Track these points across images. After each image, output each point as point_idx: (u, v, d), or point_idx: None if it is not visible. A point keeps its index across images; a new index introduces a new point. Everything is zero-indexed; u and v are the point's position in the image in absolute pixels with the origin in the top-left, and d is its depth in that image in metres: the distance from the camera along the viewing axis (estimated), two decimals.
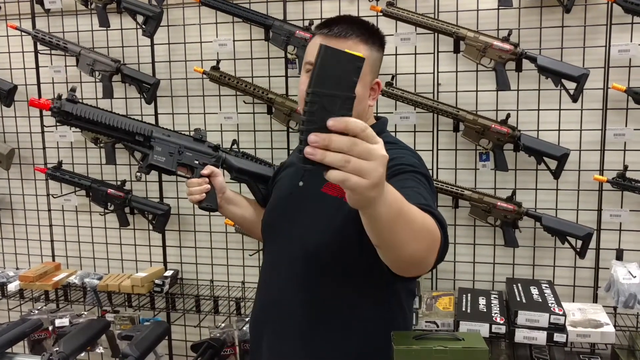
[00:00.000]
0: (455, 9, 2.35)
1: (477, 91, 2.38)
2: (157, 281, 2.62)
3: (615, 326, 2.14)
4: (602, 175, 2.26)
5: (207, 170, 1.56)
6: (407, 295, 1.47)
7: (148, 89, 2.57)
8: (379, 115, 1.53)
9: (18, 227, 3.02)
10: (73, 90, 1.41)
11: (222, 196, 1.60)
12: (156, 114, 2.72)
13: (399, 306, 1.43)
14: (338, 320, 1.39)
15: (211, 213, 2.66)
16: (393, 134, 2.40)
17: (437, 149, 2.45)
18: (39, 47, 2.75)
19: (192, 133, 1.62)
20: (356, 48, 1.35)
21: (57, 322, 2.58)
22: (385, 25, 2.36)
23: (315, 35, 1.42)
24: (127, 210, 2.73)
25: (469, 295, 2.31)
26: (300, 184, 0.98)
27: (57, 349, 1.95)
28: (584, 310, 2.21)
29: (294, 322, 1.42)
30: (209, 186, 1.55)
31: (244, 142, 2.58)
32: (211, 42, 2.56)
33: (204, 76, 2.53)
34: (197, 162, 1.57)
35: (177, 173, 1.55)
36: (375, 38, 1.40)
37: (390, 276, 1.12)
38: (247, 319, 2.45)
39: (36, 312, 2.63)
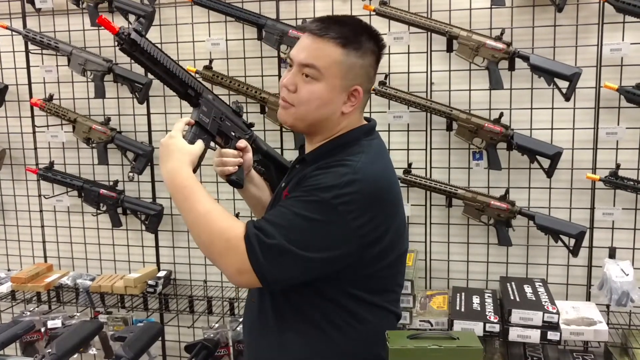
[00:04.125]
0: (448, 8, 2.35)
1: (470, 90, 2.38)
2: (150, 282, 2.61)
3: (608, 324, 2.15)
4: (595, 173, 2.26)
5: (242, 143, 1.54)
6: (353, 313, 1.37)
7: (140, 89, 2.56)
8: (369, 117, 1.49)
9: (9, 228, 3.00)
10: (141, 23, 1.36)
11: (247, 174, 1.59)
12: (148, 114, 2.70)
13: (329, 323, 1.36)
14: (274, 328, 1.41)
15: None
16: (386, 133, 2.42)
17: (431, 148, 2.45)
18: (30, 46, 2.73)
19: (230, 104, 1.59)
20: (329, 48, 1.32)
21: (50, 324, 2.56)
22: (378, 25, 2.35)
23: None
24: (119, 210, 2.72)
25: (462, 294, 2.31)
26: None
27: (50, 350, 1.94)
28: (577, 309, 2.22)
29: (260, 325, 1.45)
30: (242, 160, 1.52)
31: None
32: (204, 41, 2.55)
33: (197, 76, 2.51)
34: (234, 133, 1.53)
35: (215, 139, 1.50)
36: (356, 43, 1.34)
37: (317, 290, 1.33)
38: (240, 320, 2.44)
39: (28, 313, 2.61)
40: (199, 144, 1.39)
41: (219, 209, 1.33)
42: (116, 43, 1.29)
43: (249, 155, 1.56)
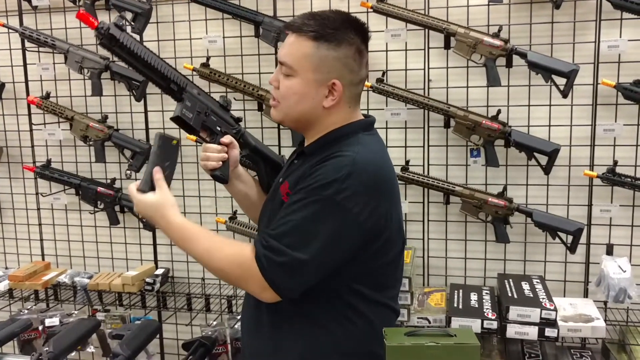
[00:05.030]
0: (446, 5, 2.34)
1: (467, 87, 2.38)
2: (148, 279, 2.60)
3: (605, 321, 2.15)
4: (592, 170, 2.26)
5: (227, 139, 1.54)
6: (354, 310, 1.37)
7: (137, 87, 2.55)
8: (367, 113, 1.49)
9: (7, 226, 3.00)
10: (122, 17, 1.35)
11: (233, 170, 1.58)
12: (146, 112, 2.70)
13: (331, 319, 1.37)
14: (270, 324, 1.41)
15: (202, 211, 2.67)
16: (384, 130, 2.42)
17: (428, 145, 2.44)
18: (27, 44, 2.72)
19: (218, 98, 1.58)
20: (300, 43, 1.34)
21: (47, 322, 2.57)
22: (375, 22, 2.36)
23: None
24: (117, 208, 2.71)
25: (460, 291, 2.31)
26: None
27: (47, 348, 1.94)
28: (574, 305, 2.22)
29: (255, 322, 1.45)
30: (226, 155, 1.52)
31: None
32: (201, 38, 2.54)
33: (194, 73, 2.51)
34: (219, 128, 1.53)
35: (199, 134, 1.51)
36: (329, 35, 1.33)
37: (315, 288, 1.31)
38: (238, 317, 2.44)
39: (26, 311, 2.61)
40: (160, 189, 1.43)
41: (219, 240, 1.37)
42: (96, 38, 1.28)
43: (235, 151, 1.56)
